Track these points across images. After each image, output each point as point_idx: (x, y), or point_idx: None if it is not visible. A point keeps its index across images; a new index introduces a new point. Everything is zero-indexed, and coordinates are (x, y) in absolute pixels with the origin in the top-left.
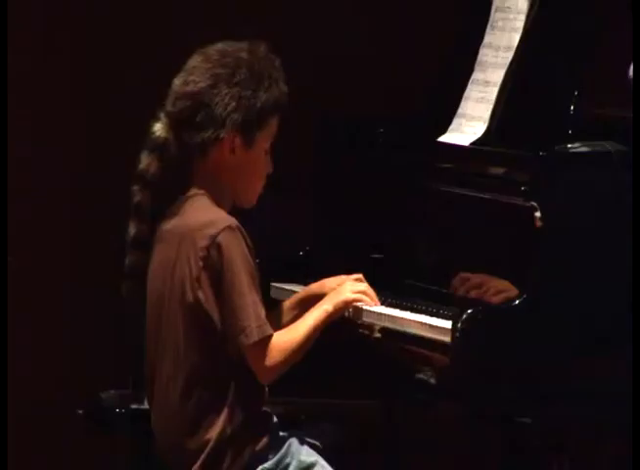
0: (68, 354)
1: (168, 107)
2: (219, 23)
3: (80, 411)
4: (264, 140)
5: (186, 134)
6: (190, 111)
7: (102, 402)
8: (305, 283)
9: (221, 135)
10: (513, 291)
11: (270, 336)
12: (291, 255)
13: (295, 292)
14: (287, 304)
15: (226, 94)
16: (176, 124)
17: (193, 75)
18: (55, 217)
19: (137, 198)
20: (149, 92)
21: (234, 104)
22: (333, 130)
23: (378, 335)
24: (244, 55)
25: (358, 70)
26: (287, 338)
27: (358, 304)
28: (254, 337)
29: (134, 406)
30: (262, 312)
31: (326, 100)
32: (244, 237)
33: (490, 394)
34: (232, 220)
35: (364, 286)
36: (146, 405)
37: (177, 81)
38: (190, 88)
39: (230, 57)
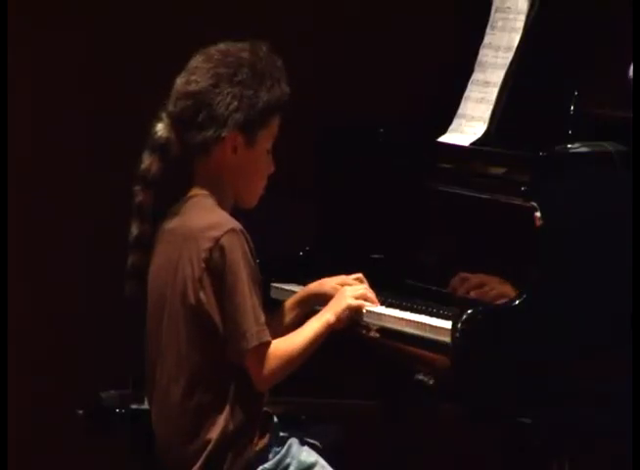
0: (69, 354)
1: (170, 107)
2: (220, 23)
3: (80, 411)
4: (266, 140)
5: (188, 134)
6: (192, 110)
7: (102, 402)
8: (305, 283)
9: (223, 134)
10: (513, 291)
11: (268, 343)
12: (291, 255)
13: (295, 292)
14: (287, 304)
15: (228, 93)
16: (178, 124)
17: (194, 75)
18: (55, 217)
19: (139, 198)
20: (150, 92)
21: (236, 103)
22: (333, 130)
23: (376, 334)
24: (245, 55)
25: (358, 70)
26: (285, 346)
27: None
28: (254, 341)
29: (134, 406)
30: (261, 317)
31: (326, 100)
32: (247, 240)
33: (490, 394)
34: (235, 223)
35: (363, 289)
36: (146, 405)
37: (179, 81)
38: (191, 88)
39: (232, 56)
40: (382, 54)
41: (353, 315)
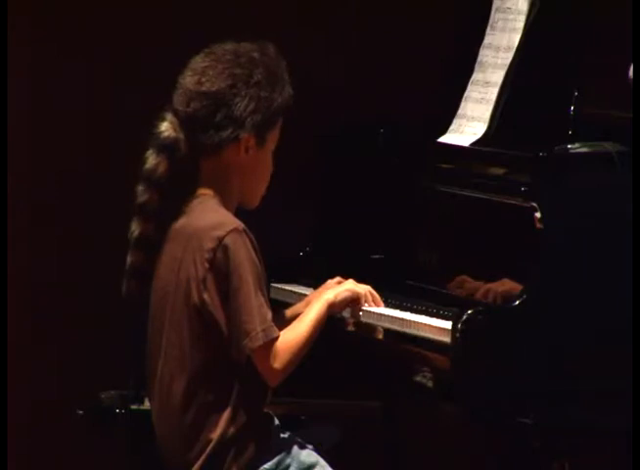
0: (69, 354)
1: (179, 106)
2: (220, 23)
3: (80, 411)
4: (273, 141)
5: (202, 134)
6: (208, 110)
7: (102, 402)
8: (305, 283)
9: (240, 135)
10: (513, 291)
11: (276, 338)
12: (291, 255)
13: (294, 292)
14: (287, 316)
15: (245, 94)
16: (189, 124)
17: (207, 75)
18: (55, 217)
19: (142, 198)
20: (151, 91)
21: (253, 104)
22: (334, 131)
23: (380, 336)
24: (257, 55)
25: (359, 70)
26: (291, 336)
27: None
28: (260, 340)
29: (134, 406)
30: (268, 315)
31: (327, 101)
32: (250, 239)
33: (490, 394)
34: (239, 223)
35: (368, 286)
36: (146, 406)
37: (189, 81)
38: (206, 88)
39: (244, 57)
40: (382, 54)
41: (351, 315)
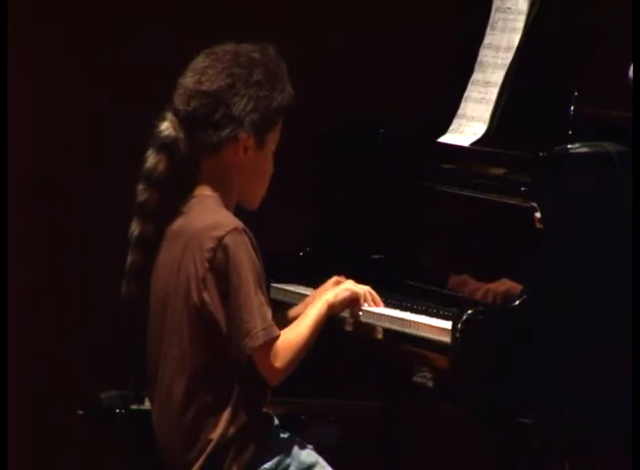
0: (69, 354)
1: (179, 106)
2: (220, 23)
3: (80, 411)
4: (273, 141)
5: (201, 133)
6: (207, 109)
7: (102, 402)
8: (305, 283)
9: (239, 134)
10: (513, 291)
11: (277, 337)
12: (291, 255)
13: (294, 292)
14: (289, 315)
15: (244, 94)
16: (189, 123)
17: (207, 75)
18: (55, 217)
19: (142, 197)
20: (150, 92)
21: (252, 103)
22: (333, 131)
23: (380, 336)
24: (257, 55)
25: (359, 70)
26: (292, 336)
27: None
28: (260, 339)
29: (134, 407)
30: (269, 314)
31: (326, 100)
32: (250, 239)
33: (490, 394)
34: (238, 222)
35: (367, 286)
36: (146, 406)
37: (189, 80)
38: (206, 87)
39: (244, 57)
40: (382, 54)
41: (351, 315)
